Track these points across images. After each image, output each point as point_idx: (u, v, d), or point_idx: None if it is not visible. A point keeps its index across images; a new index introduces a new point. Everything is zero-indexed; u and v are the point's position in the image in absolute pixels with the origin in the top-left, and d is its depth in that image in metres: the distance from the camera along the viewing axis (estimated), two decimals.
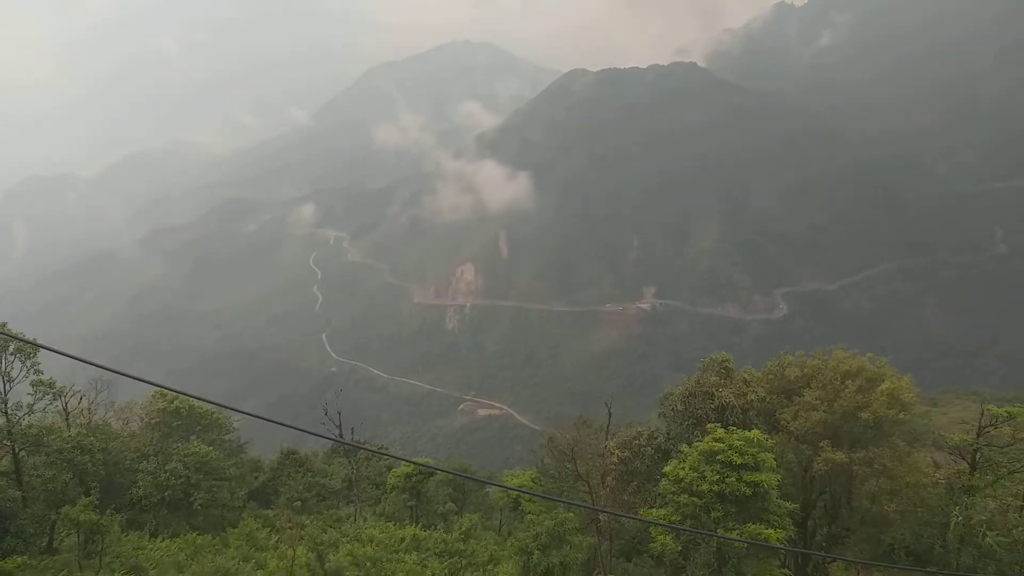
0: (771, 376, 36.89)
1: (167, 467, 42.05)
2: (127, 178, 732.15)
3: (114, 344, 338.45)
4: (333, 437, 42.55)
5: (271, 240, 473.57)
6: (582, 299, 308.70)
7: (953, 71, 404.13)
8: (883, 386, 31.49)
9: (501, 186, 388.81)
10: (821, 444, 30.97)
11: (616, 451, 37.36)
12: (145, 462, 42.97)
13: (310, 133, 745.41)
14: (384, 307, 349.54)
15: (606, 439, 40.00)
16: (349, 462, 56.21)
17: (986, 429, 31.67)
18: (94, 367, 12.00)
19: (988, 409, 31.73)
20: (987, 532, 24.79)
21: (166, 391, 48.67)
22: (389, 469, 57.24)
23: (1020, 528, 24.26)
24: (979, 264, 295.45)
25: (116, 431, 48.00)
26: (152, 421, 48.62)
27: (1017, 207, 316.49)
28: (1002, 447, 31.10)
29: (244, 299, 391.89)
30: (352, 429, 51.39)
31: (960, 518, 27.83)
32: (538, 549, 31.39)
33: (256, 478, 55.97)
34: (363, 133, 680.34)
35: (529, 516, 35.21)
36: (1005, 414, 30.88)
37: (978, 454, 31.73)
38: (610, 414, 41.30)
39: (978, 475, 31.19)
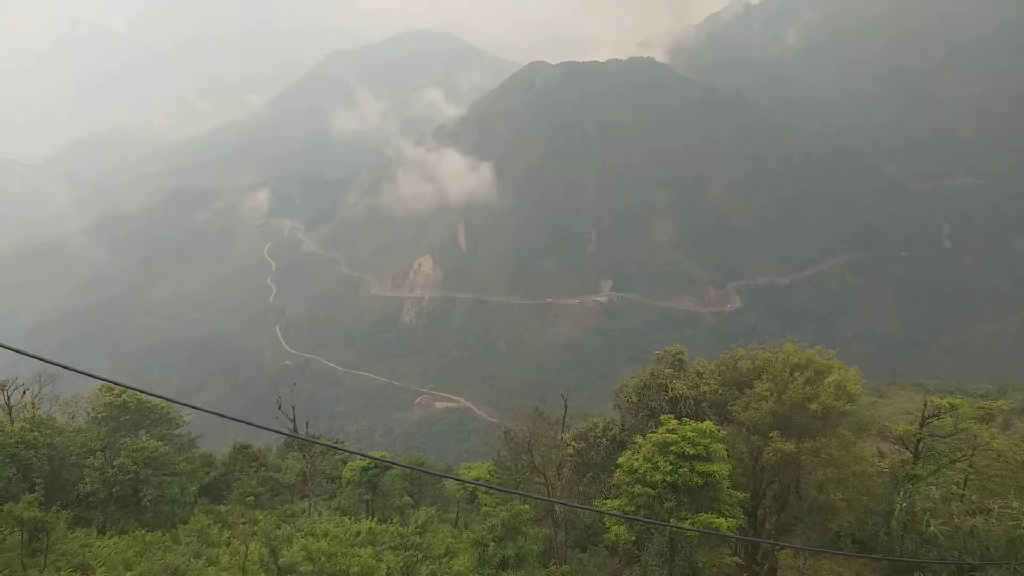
0: (723, 368, 37.52)
1: (115, 462, 41.08)
2: (74, 163, 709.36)
3: (59, 336, 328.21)
4: (287, 432, 41.95)
5: (224, 230, 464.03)
6: (540, 292, 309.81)
7: (904, 70, 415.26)
8: (831, 378, 32.25)
9: (462, 176, 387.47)
10: (771, 435, 31.63)
11: (572, 443, 37.70)
12: (92, 457, 41.91)
13: (265, 119, 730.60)
14: (340, 299, 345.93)
15: (562, 431, 40.30)
16: (303, 456, 55.67)
17: (929, 420, 32.63)
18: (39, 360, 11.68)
19: (931, 400, 32.67)
20: (929, 520, 25.64)
21: (113, 385, 47.58)
22: (344, 463, 56.82)
23: (960, 516, 25.13)
24: (925, 259, 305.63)
25: (61, 426, 46.75)
26: (99, 415, 47.46)
27: (962, 204, 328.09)
28: (944, 437, 32.09)
29: (196, 290, 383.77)
30: (307, 423, 50.84)
31: (903, 506, 28.69)
32: (494, 541, 31.54)
33: (208, 473, 55.05)
34: (320, 120, 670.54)
35: (485, 508, 35.34)
36: (947, 405, 31.83)
37: (921, 444, 32.71)
38: (566, 406, 41.59)
39: (921, 464, 32.17)
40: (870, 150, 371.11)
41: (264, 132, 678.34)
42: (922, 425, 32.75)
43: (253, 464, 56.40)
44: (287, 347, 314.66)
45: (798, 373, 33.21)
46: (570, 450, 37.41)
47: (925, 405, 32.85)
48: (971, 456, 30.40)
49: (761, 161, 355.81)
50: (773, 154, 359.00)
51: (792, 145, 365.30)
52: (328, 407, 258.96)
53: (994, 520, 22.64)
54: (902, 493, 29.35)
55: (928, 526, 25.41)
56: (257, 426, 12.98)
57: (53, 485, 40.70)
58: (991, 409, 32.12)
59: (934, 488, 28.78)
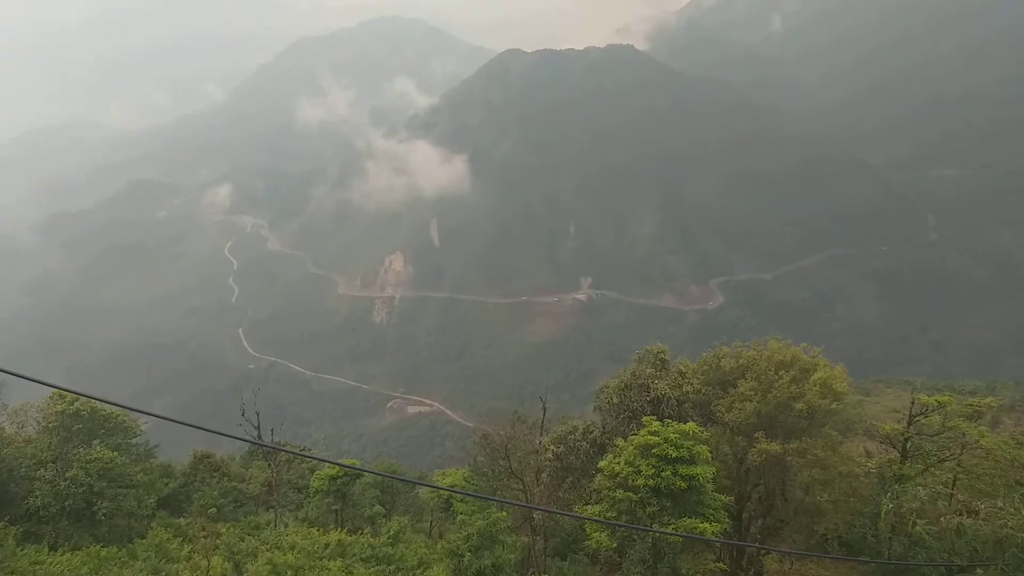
0: (706, 367, 37.63)
1: (67, 474, 40.22)
2: (26, 156, 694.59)
3: (7, 340, 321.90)
4: (251, 439, 41.41)
5: (183, 227, 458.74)
6: (517, 290, 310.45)
7: (888, 58, 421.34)
8: (816, 376, 32.41)
9: (435, 169, 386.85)
10: (756, 435, 31.76)
11: (551, 447, 37.65)
12: (43, 469, 40.99)
13: (228, 111, 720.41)
14: (306, 299, 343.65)
15: (541, 434, 40.25)
16: (269, 465, 55.02)
17: (916, 418, 32.92)
18: None
19: (918, 398, 32.91)
20: (917, 521, 25.89)
21: (65, 392, 46.61)
22: (312, 472, 56.29)
23: (948, 516, 25.43)
24: (910, 253, 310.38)
25: (10, 436, 45.72)
26: (50, 425, 46.48)
27: (947, 196, 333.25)
28: (932, 435, 32.39)
29: (154, 291, 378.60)
30: (272, 430, 50.23)
31: (891, 507, 28.98)
32: (469, 551, 31.34)
33: (166, 484, 54.21)
34: (285, 111, 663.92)
35: (461, 517, 35.13)
36: (935, 403, 32.12)
37: (909, 443, 32.99)
38: (545, 408, 41.54)
39: (909, 464, 32.47)
40: (852, 142, 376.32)
41: (226, 124, 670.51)
42: (909, 424, 33.06)
43: (215, 474, 55.66)
44: (251, 350, 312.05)
45: (783, 371, 33.34)
46: (549, 454, 37.38)
47: (912, 403, 33.13)
48: (959, 455, 30.72)
49: (743, 153, 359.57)
50: (756, 146, 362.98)
51: (775, 138, 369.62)
52: (294, 413, 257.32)
53: (982, 520, 22.92)
54: (889, 494, 29.65)
55: (915, 527, 25.69)
56: (219, 433, 12.71)
57: (1, 499, 39.82)
58: (979, 406, 32.43)
59: (922, 488, 29.10)
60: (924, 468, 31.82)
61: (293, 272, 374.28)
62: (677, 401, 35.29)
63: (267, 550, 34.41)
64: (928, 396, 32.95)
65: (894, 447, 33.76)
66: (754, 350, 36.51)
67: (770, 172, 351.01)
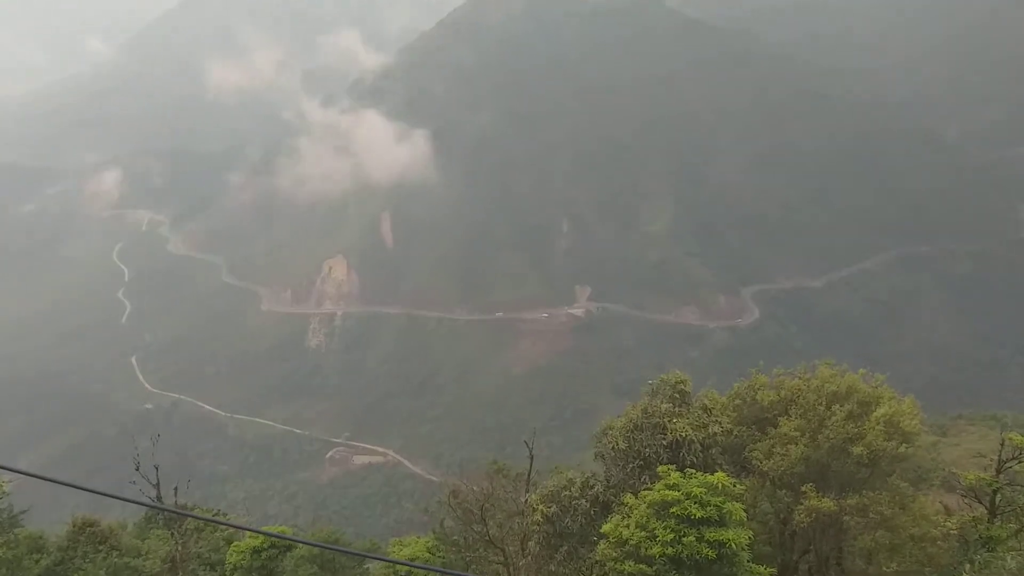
0: (739, 401, 37.84)
1: None
2: None
3: None
4: (148, 501, 41.10)
5: (58, 225, 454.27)
6: (496, 304, 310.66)
7: (969, 9, 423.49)
8: (879, 411, 32.60)
9: (388, 149, 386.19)
10: (803, 488, 31.89)
11: (540, 506, 37.57)
12: None
13: (117, 74, 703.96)
14: (221, 318, 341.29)
15: (527, 491, 40.18)
16: (172, 535, 54.45)
17: (1008, 464, 33.03)
18: None
19: (1010, 438, 32.89)
20: None
21: None
22: (229, 543, 55.82)
23: None
24: (998, 252, 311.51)
25: None
26: None
27: None
28: None
29: (19, 309, 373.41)
30: (176, 489, 49.78)
31: None
32: None
33: (37, 562, 53.45)
34: (191, 73, 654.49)
35: None
36: None
37: (998, 496, 33.12)
38: (532, 457, 41.48)
39: (999, 523, 32.62)
40: (922, 109, 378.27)
41: (113, 90, 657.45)
42: (999, 471, 33.18)
43: (101, 547, 54.97)
44: (147, 385, 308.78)
45: (837, 406, 33.55)
46: (538, 516, 37.30)
47: (1002, 445, 33.21)
48: None
49: (784, 126, 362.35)
50: (800, 118, 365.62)
51: (825, 107, 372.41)
52: (206, 466, 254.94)
53: None
54: (974, 562, 29.76)
55: None
56: (106, 495, 12.61)
57: None
58: None
59: (1015, 555, 29.19)
60: (1018, 528, 31.95)
61: (203, 283, 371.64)
62: (702, 445, 35.44)
63: None
64: (1022, 436, 32.98)
65: (980, 502, 33.86)
66: (800, 379, 36.77)
67: (818, 150, 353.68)
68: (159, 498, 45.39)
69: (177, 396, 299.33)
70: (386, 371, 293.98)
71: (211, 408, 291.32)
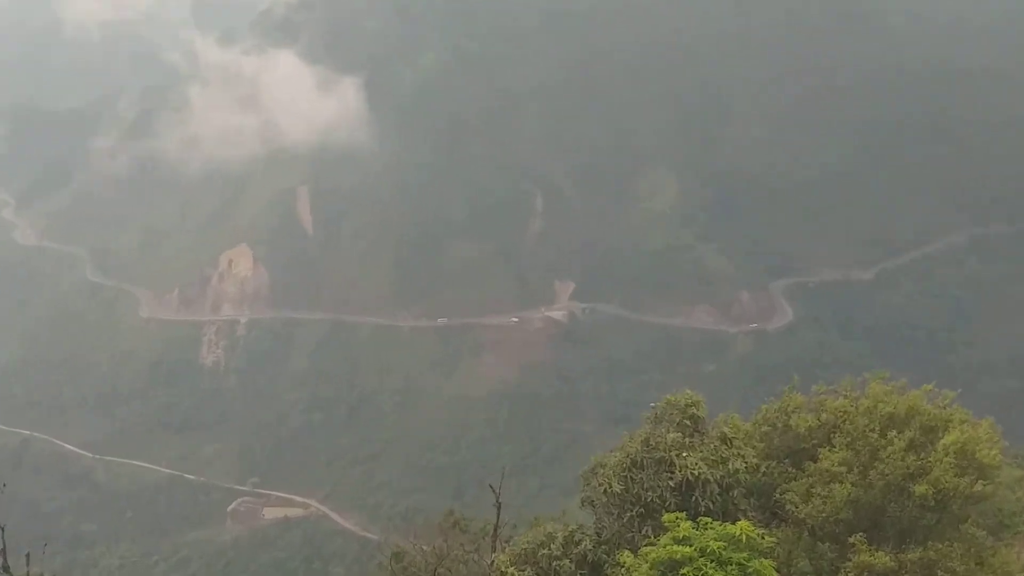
0: (768, 429, 37.97)
1: None
2: None
3: None
4: None
5: None
6: (449, 306, 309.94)
7: None
8: (949, 439, 32.78)
9: (305, 102, 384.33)
10: (851, 540, 32.07)
11: (511, 570, 37.61)
12: None
13: None
14: (86, 329, 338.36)
15: (493, 550, 40.23)
16: None
17: None
18: None
19: None
20: None
21: None
22: None
23: None
24: None
25: None
26: None
27: None
28: None
29: None
30: (28, 555, 49.38)
31: None
32: None
33: None
34: (40, 3, 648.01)
35: None
36: None
37: None
38: (499, 505, 41.51)
39: None
40: (996, 47, 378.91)
41: None
42: None
43: None
44: None
45: (894, 433, 33.70)
46: None
47: None
48: None
49: (824, 70, 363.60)
50: (845, 59, 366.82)
51: (876, 45, 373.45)
52: (69, 524, 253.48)
53: None
54: None
55: None
56: None
57: None
58: None
59: None
60: None
61: (61, 282, 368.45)
62: (720, 486, 35.55)
63: None
64: None
65: None
66: (846, 398, 37.05)
67: (871, 97, 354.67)
68: (5, 566, 44.87)
69: (28, 433, 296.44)
70: (305, 396, 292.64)
71: (73, 448, 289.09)
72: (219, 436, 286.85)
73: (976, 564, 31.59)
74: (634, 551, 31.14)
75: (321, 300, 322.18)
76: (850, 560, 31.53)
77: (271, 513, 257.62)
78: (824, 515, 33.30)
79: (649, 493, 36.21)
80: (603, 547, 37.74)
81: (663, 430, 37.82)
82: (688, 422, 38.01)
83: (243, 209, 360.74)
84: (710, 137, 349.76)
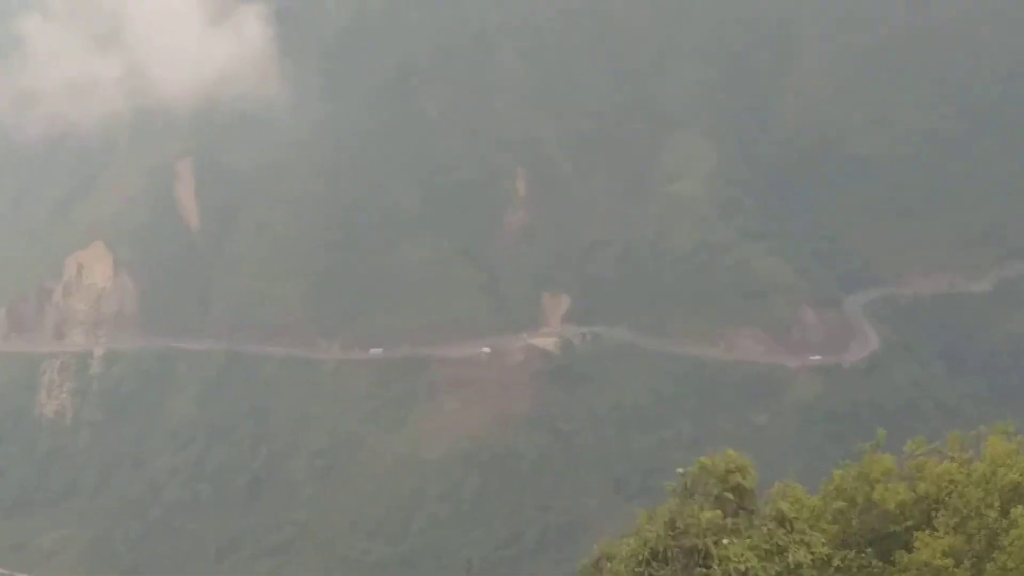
0: (843, 504, 37.93)
1: None
2: None
3: None
4: None
5: None
6: (395, 331, 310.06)
7: None
8: None
9: (190, 40, 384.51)
10: None
11: None
12: None
13: None
14: None
15: None
16: None
17: None
18: None
19: None
20: None
21: None
22: None
23: None
24: None
25: None
26: None
27: None
28: None
29: None
30: None
31: None
32: None
33: None
34: None
35: None
36: None
37: None
38: None
39: None
40: None
41: None
42: None
43: None
44: None
45: (1020, 509, 33.78)
46: None
47: None
48: None
49: (915, 2, 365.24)
50: None
51: None
52: None
53: None
54: None
55: None
56: None
57: None
58: None
59: None
60: None
61: None
62: None
63: None
64: None
65: None
66: (953, 459, 37.07)
67: (975, 41, 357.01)
68: None
69: None
70: (188, 461, 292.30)
71: None
72: (64, 519, 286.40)
73: None
74: None
75: (211, 323, 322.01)
76: None
77: None
78: None
79: None
80: None
81: (695, 507, 37.79)
82: (731, 495, 37.94)
83: (99, 194, 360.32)
84: (760, 95, 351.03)
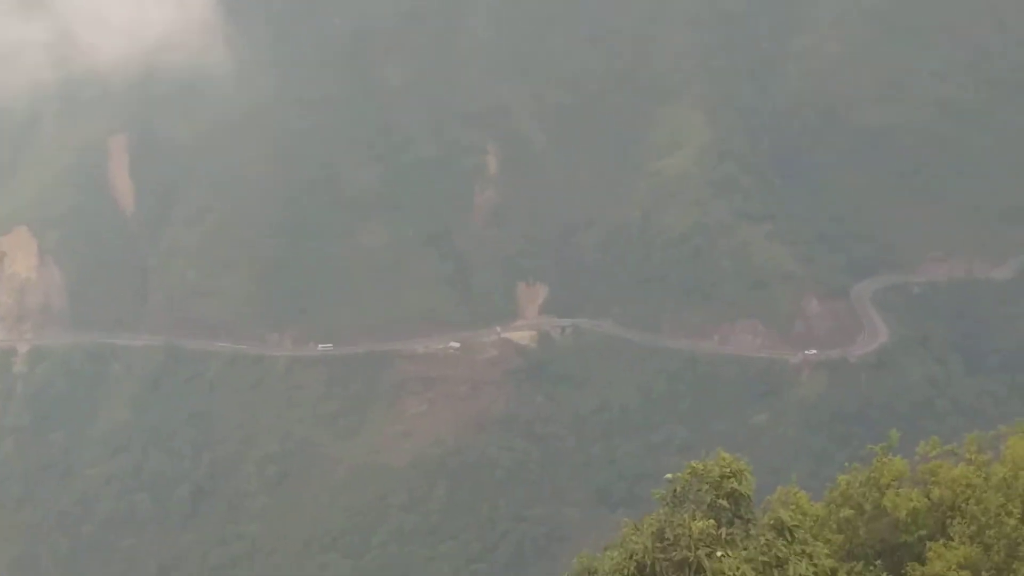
0: (850, 512, 38.14)
1: None
2: None
3: None
4: None
5: None
6: (353, 325, 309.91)
7: None
8: None
9: (128, 2, 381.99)
10: None
11: None
12: None
13: None
14: None
15: None
16: None
17: None
18: None
19: None
20: None
21: None
22: None
23: None
24: None
25: None
26: None
27: None
28: None
29: None
30: None
31: None
32: None
33: None
34: None
35: None
36: None
37: None
38: None
39: None
40: None
41: None
42: None
43: None
44: None
45: None
46: None
47: None
48: None
49: None
50: None
51: None
52: None
53: None
54: None
55: None
56: None
57: None
58: None
59: None
60: None
61: None
62: None
63: None
64: None
65: None
66: (971, 462, 37.32)
67: None
68: None
69: None
70: (122, 469, 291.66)
71: None
72: None
73: None
74: None
75: (147, 317, 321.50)
76: None
77: None
78: None
79: None
80: None
81: (686, 516, 37.96)
82: (725, 503, 38.05)
83: (23, 173, 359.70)
84: (760, 61, 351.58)
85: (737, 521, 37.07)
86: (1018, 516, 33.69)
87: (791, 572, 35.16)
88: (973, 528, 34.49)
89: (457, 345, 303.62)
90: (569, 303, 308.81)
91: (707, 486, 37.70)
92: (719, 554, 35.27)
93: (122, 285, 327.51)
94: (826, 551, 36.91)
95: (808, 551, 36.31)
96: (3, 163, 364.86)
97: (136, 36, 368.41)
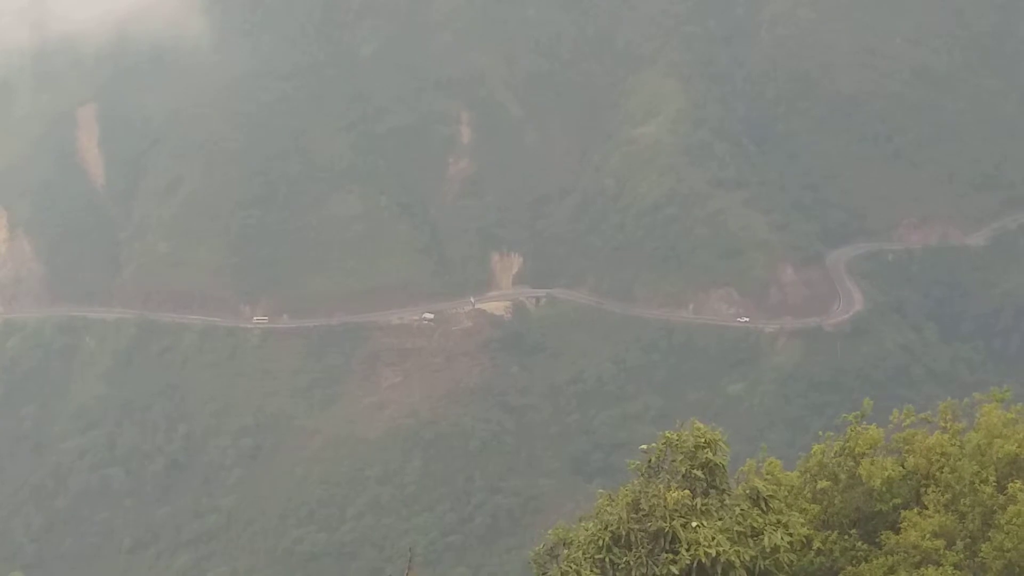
0: (825, 482, 38.20)
1: None
2: None
3: None
4: None
5: None
6: (326, 296, 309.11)
7: None
8: None
9: None
10: None
11: None
12: None
13: None
14: None
15: None
16: None
17: None
18: None
19: None
20: None
21: None
22: None
23: None
24: None
25: None
26: None
27: None
28: None
29: None
30: None
31: None
32: None
33: None
34: None
35: None
36: None
37: None
38: None
39: None
40: None
41: None
42: None
43: None
44: None
45: (1019, 484, 34.09)
46: None
47: None
48: None
49: None
50: None
51: None
52: None
53: None
54: None
55: None
56: None
57: None
58: None
59: None
60: None
61: None
62: (750, 572, 35.87)
63: None
64: None
65: None
66: (945, 429, 37.38)
67: None
68: None
69: None
70: (96, 443, 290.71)
71: None
72: None
73: None
74: None
75: (120, 289, 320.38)
76: None
77: None
78: None
79: None
80: None
81: (661, 486, 37.96)
82: (700, 473, 38.06)
83: None
84: (734, 26, 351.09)
85: (712, 491, 37.09)
86: (993, 484, 33.68)
87: (767, 542, 35.17)
88: (947, 496, 34.48)
89: (431, 316, 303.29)
90: (544, 273, 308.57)
91: (682, 456, 37.70)
92: (694, 524, 35.30)
93: (94, 258, 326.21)
94: (801, 520, 36.91)
95: (783, 521, 36.32)
96: None
97: (108, 2, 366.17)
